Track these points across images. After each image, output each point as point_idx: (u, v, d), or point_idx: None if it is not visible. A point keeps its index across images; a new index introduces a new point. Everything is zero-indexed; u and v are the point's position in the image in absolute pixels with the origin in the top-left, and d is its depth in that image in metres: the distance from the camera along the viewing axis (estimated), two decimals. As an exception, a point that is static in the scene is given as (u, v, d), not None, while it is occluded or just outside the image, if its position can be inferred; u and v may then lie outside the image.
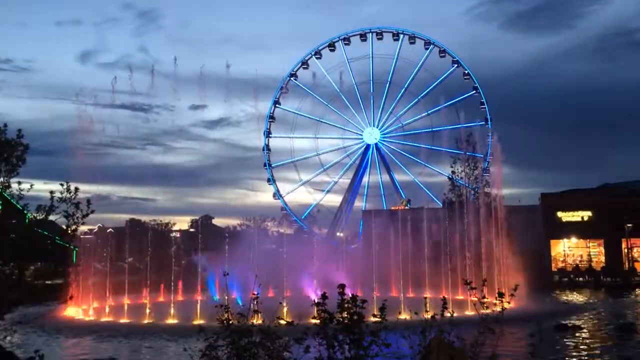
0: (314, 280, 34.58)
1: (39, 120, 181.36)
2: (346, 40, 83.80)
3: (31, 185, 14.00)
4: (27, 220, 14.34)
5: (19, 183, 13.92)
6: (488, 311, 7.99)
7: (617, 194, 67.39)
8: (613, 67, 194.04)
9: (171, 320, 29.09)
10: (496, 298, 8.21)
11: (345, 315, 7.31)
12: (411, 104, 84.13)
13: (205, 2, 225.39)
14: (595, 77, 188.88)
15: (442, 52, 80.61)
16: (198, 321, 27.15)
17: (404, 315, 8.52)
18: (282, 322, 7.94)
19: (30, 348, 18.71)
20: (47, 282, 14.20)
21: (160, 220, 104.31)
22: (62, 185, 13.01)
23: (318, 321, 7.37)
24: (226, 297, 21.04)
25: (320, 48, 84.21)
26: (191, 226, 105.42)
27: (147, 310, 30.28)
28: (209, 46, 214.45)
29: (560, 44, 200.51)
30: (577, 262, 66.25)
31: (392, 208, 77.81)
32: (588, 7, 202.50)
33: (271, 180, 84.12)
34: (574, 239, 67.77)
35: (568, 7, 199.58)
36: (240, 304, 8.67)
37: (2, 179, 14.25)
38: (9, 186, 14.18)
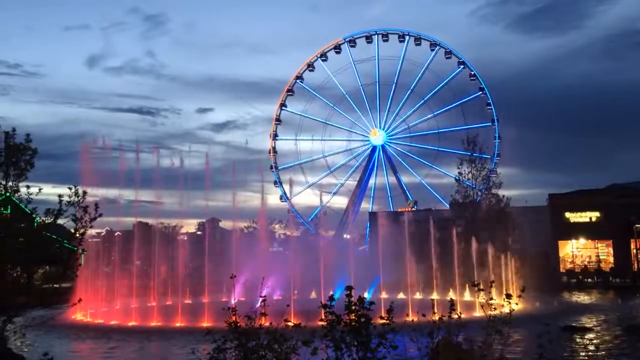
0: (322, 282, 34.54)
1: (47, 125, 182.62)
2: (352, 42, 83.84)
3: (39, 189, 14.08)
4: (35, 224, 14.42)
5: (28, 187, 14.01)
6: (496, 312, 7.98)
7: (625, 194, 66.96)
8: (620, 67, 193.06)
9: (179, 323, 29.17)
10: (504, 299, 8.19)
11: (353, 318, 7.32)
12: (417, 105, 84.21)
13: (211, 5, 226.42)
14: (602, 77, 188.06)
15: (448, 53, 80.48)
16: (206, 324, 27.19)
17: (412, 317, 8.51)
18: (290, 324, 7.95)
19: (39, 351, 18.82)
20: (55, 285, 14.24)
21: (168, 224, 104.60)
22: (70, 189, 13.08)
23: (325, 323, 7.37)
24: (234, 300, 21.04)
25: (325, 50, 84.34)
26: (198, 229, 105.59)
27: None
28: (215, 49, 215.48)
29: (566, 44, 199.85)
30: (586, 263, 65.91)
31: (399, 210, 77.72)
32: (594, 7, 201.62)
33: (278, 183, 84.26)
34: (582, 240, 67.41)
35: (574, 8, 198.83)
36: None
37: (10, 183, 14.35)
38: (17, 190, 14.27)
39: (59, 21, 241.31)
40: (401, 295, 38.56)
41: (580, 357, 20.52)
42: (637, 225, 61.93)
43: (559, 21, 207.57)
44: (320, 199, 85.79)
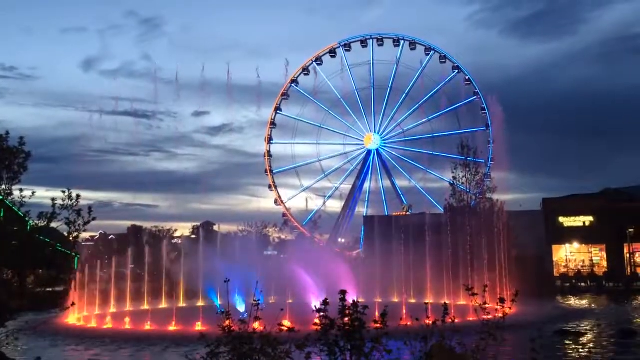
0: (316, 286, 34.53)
1: (42, 128, 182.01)
2: (347, 46, 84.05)
3: (33, 193, 14.06)
4: (28, 228, 14.35)
5: (21, 190, 13.97)
6: (489, 317, 7.99)
7: (619, 199, 67.28)
8: (615, 72, 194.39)
9: (172, 327, 29.05)
10: (497, 304, 8.20)
11: (347, 322, 7.31)
12: (412, 109, 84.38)
13: (207, 9, 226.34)
14: (597, 82, 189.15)
15: (443, 58, 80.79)
16: (199, 328, 27.09)
17: (406, 322, 8.51)
18: (284, 328, 7.93)
19: (31, 355, 18.73)
20: (48, 289, 14.19)
21: (162, 227, 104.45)
22: (63, 192, 13.04)
23: (319, 327, 7.36)
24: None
25: (321, 54, 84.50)
26: (192, 233, 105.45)
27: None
28: (211, 53, 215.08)
29: (561, 49, 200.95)
30: (579, 267, 66.12)
31: (394, 214, 77.79)
32: (590, 12, 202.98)
33: (272, 187, 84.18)
34: (575, 244, 67.62)
35: (569, 13, 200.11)
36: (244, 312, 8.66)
37: (3, 187, 14.29)
38: (10, 193, 14.22)
39: (55, 24, 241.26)
40: (395, 299, 38.61)
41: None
42: (630, 230, 62.19)
43: (555, 26, 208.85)
44: (315, 203, 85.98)
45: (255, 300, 8.25)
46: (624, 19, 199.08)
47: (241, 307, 29.05)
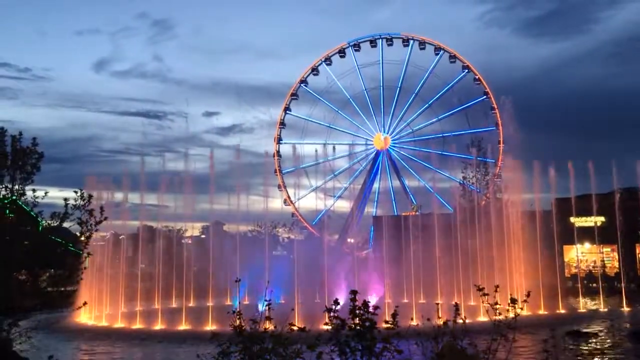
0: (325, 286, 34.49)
1: (55, 129, 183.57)
2: (356, 46, 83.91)
3: (46, 193, 14.19)
4: (40, 228, 14.49)
5: (34, 190, 14.12)
6: (501, 317, 7.97)
7: (631, 198, 66.59)
8: (627, 71, 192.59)
9: (183, 327, 29.17)
10: (509, 304, 8.17)
11: (357, 322, 7.32)
12: (422, 109, 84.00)
13: (218, 10, 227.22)
14: (609, 81, 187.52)
15: (453, 57, 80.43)
16: (210, 327, 27.20)
17: (416, 322, 8.51)
18: (295, 328, 7.95)
19: (44, 354, 18.87)
20: (61, 288, 14.31)
21: (173, 227, 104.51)
22: (76, 192, 13.15)
23: (330, 327, 7.37)
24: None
25: (330, 54, 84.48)
26: (202, 232, 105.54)
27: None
28: (222, 54, 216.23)
29: (573, 49, 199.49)
30: (591, 267, 65.64)
31: (403, 214, 77.59)
32: (602, 12, 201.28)
33: (282, 186, 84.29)
34: (587, 245, 67.15)
35: (582, 12, 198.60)
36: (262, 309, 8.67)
37: (17, 187, 14.44)
38: (23, 194, 14.36)
39: (68, 26, 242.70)
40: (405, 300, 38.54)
41: (586, 362, 20.43)
42: (642, 230, 61.67)
43: (567, 26, 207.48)
44: (324, 203, 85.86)
45: (266, 300, 8.28)
46: (636, 19, 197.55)
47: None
